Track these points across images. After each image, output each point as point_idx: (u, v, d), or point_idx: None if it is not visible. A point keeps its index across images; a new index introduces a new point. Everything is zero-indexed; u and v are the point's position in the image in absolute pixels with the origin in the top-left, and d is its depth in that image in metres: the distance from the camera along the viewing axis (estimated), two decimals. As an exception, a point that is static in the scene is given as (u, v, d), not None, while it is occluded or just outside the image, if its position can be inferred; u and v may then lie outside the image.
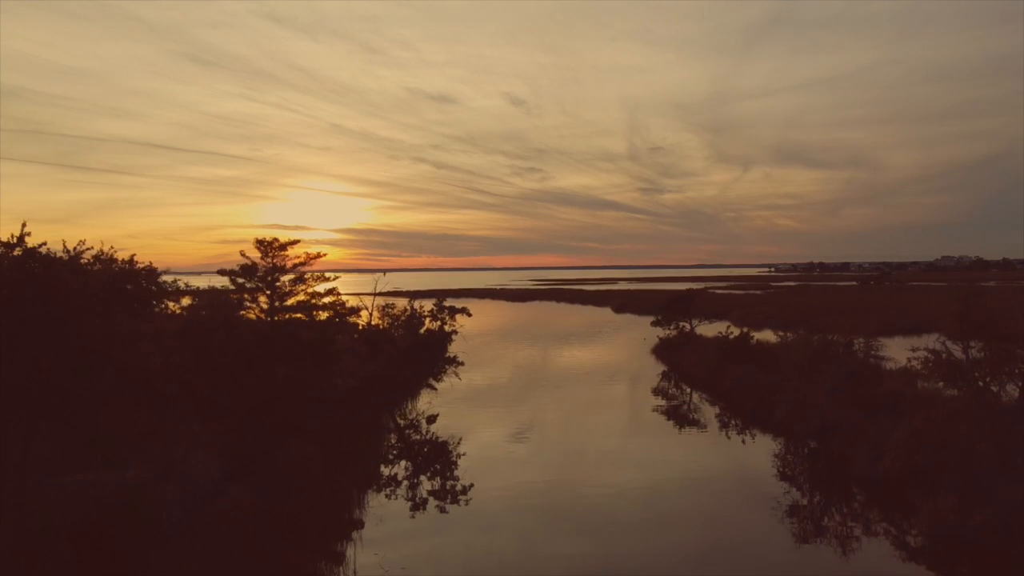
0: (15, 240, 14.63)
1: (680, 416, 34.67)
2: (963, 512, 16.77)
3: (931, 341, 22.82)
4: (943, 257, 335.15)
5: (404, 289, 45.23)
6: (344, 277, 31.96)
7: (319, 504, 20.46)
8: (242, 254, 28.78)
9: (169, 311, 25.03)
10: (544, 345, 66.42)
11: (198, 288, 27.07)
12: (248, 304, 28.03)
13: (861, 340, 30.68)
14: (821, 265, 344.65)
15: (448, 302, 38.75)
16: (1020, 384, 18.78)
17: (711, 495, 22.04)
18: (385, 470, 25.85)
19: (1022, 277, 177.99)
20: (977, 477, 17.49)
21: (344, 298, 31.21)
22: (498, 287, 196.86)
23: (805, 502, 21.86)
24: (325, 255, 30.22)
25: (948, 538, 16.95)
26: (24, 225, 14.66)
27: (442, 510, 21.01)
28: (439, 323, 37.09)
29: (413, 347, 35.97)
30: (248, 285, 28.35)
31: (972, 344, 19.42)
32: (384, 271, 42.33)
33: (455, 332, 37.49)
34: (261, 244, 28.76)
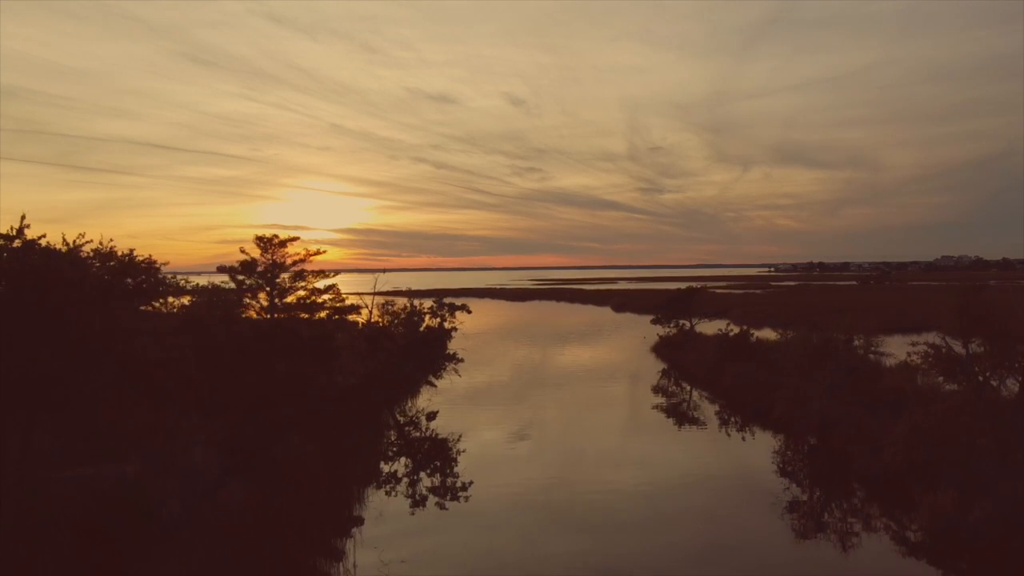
0: (14, 232, 14.63)
1: (680, 414, 34.66)
2: (963, 506, 16.77)
3: (931, 339, 22.83)
4: (943, 257, 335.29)
5: (404, 289, 45.10)
6: (344, 277, 31.92)
7: (319, 500, 20.45)
8: (242, 250, 28.81)
9: (169, 306, 24.97)
10: (544, 344, 66.42)
11: (198, 284, 27.03)
12: (248, 301, 28.05)
13: (861, 338, 30.68)
14: (821, 265, 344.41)
15: (448, 301, 38.71)
16: (1020, 378, 18.77)
17: (711, 493, 21.98)
18: (385, 467, 25.83)
19: (1022, 277, 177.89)
20: (977, 471, 17.48)
21: (344, 296, 31.23)
22: (498, 287, 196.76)
23: (805, 498, 21.84)
24: (325, 251, 30.22)
25: (948, 532, 16.95)
26: (23, 217, 14.69)
27: (442, 507, 20.97)
28: (439, 320, 37.07)
29: (413, 344, 35.95)
30: (248, 282, 28.38)
31: (972, 339, 19.38)
32: (384, 270, 42.20)
33: (455, 329, 37.47)
34: (261, 241, 28.79)
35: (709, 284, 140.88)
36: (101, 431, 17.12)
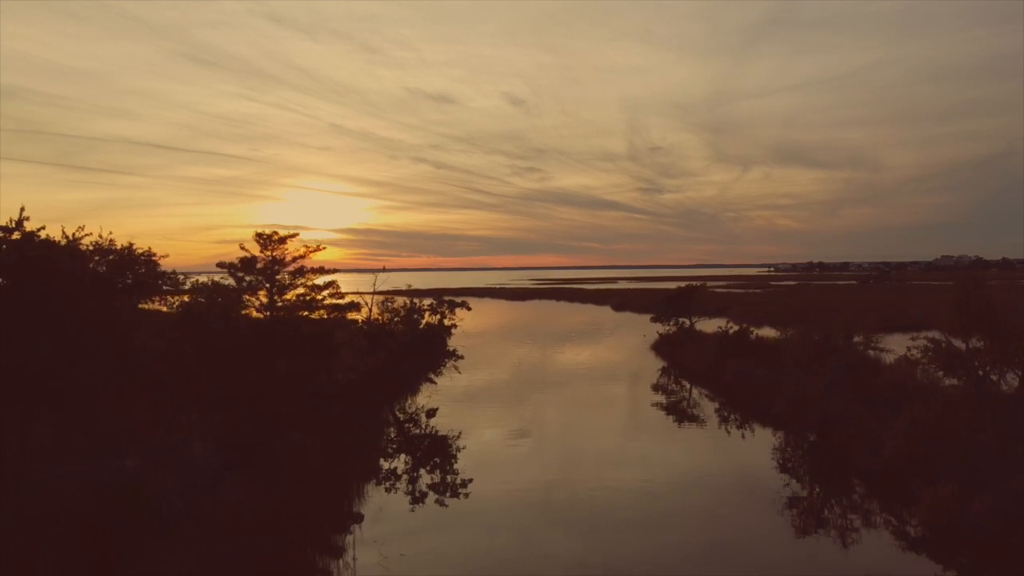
0: (13, 224, 14.61)
1: (680, 412, 34.65)
2: (963, 500, 16.76)
3: (931, 336, 22.80)
4: (943, 257, 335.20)
5: (404, 287, 44.93)
6: (344, 277, 31.83)
7: (318, 496, 20.43)
8: (242, 247, 28.81)
9: (170, 304, 24.97)
10: (544, 342, 66.40)
11: (197, 281, 27.02)
12: (248, 299, 28.01)
13: (860, 336, 30.65)
14: (821, 265, 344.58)
15: (447, 299, 38.67)
16: (1020, 373, 18.76)
17: (711, 491, 21.84)
18: (385, 464, 25.79)
19: (1022, 277, 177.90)
20: (977, 466, 17.47)
21: (343, 293, 31.23)
22: (498, 286, 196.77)
23: (805, 495, 21.81)
24: (324, 247, 30.24)
25: (948, 526, 16.93)
26: (23, 209, 14.66)
27: (441, 504, 20.85)
28: (439, 317, 37.07)
29: (413, 341, 35.95)
30: (248, 279, 28.37)
31: (971, 334, 19.36)
32: (383, 270, 41.91)
33: (455, 326, 37.47)
34: (260, 237, 28.80)
35: (709, 284, 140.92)
36: (100, 426, 17.10)
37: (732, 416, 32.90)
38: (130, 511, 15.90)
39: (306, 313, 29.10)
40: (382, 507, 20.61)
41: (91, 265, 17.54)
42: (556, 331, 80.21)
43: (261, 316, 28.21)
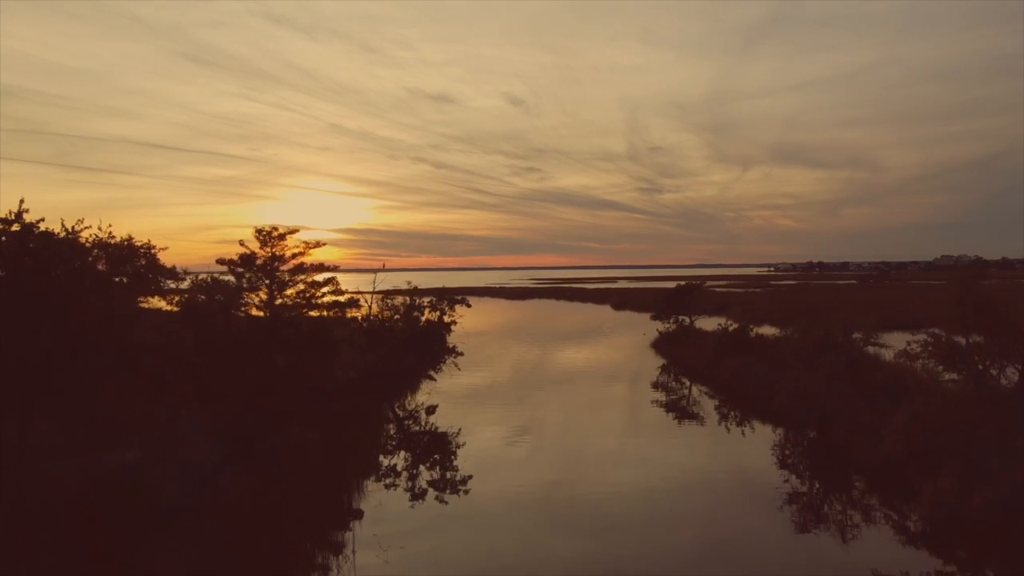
0: (13, 216, 14.60)
1: (680, 409, 34.64)
2: (963, 494, 16.76)
3: (932, 331, 22.79)
4: (942, 257, 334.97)
5: (405, 286, 44.64)
6: (344, 277, 31.76)
7: (317, 490, 20.45)
8: (241, 243, 28.79)
9: (170, 300, 24.95)
10: (544, 341, 66.39)
11: (197, 276, 26.99)
12: (247, 296, 27.98)
13: (860, 333, 30.63)
14: (821, 265, 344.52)
15: (447, 296, 38.61)
16: (1020, 367, 18.75)
17: (711, 489, 21.68)
18: (384, 460, 25.78)
19: (1022, 276, 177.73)
20: (977, 459, 17.46)
21: (343, 289, 31.22)
22: (497, 286, 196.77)
23: (805, 491, 21.79)
24: (324, 243, 30.23)
25: (948, 520, 16.93)
26: (22, 201, 14.66)
27: (441, 501, 20.70)
28: (439, 313, 37.07)
29: (413, 338, 35.93)
30: (247, 275, 28.35)
31: (971, 327, 19.35)
32: (382, 269, 41.71)
33: (454, 323, 37.46)
34: (260, 233, 28.79)
35: (709, 283, 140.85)
36: (100, 419, 17.10)
37: (732, 413, 32.88)
38: (129, 503, 15.92)
39: (306, 311, 29.09)
40: (382, 503, 20.52)
41: (90, 259, 17.51)
42: (556, 329, 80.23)
43: (261, 314, 28.21)
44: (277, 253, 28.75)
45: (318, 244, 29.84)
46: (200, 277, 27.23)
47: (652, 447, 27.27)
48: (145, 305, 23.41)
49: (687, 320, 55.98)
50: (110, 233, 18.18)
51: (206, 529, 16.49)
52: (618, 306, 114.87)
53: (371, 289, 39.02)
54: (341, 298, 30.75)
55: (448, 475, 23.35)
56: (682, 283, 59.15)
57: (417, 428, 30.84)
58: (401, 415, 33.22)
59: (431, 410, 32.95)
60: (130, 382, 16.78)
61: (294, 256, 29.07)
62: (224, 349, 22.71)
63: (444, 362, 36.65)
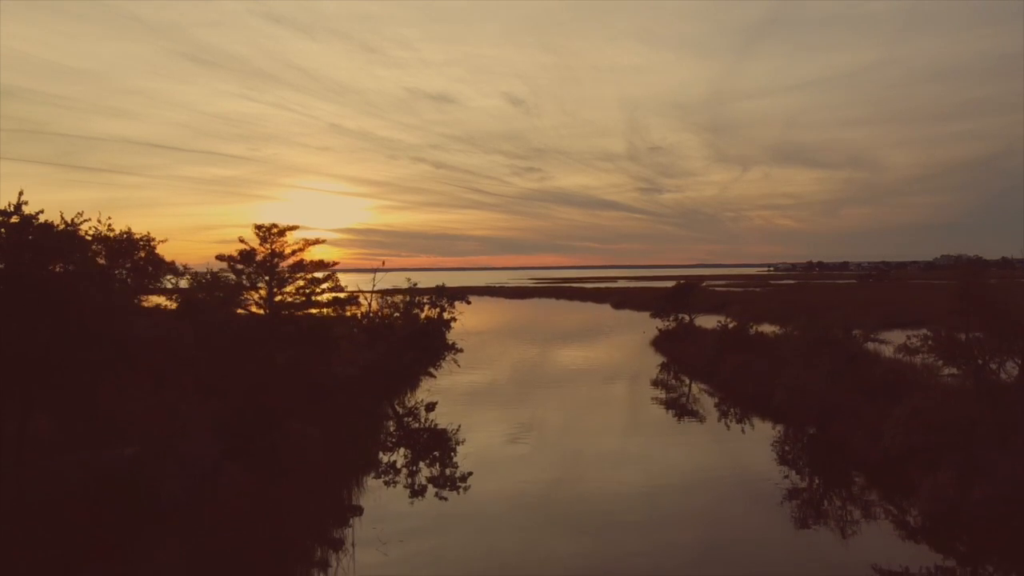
0: (12, 208, 14.57)
1: (680, 406, 34.61)
2: (963, 488, 16.74)
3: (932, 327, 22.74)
4: (942, 256, 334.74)
5: (405, 284, 44.35)
6: (343, 276, 31.66)
7: (317, 486, 20.41)
8: (241, 240, 28.74)
9: (170, 295, 24.92)
10: (544, 340, 66.37)
11: (196, 272, 26.94)
12: (247, 295, 27.91)
13: (859, 331, 30.64)
14: (820, 264, 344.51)
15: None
16: (1020, 362, 18.73)
17: (711, 488, 21.56)
18: (384, 456, 25.75)
19: (1022, 276, 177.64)
20: (976, 454, 17.44)
21: (343, 285, 31.16)
22: (497, 285, 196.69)
23: (805, 488, 21.74)
24: (324, 240, 30.19)
25: (948, 514, 16.92)
26: (21, 193, 14.63)
27: (440, 498, 20.63)
28: (438, 310, 37.03)
29: (413, 334, 35.90)
30: (247, 271, 28.31)
31: (971, 321, 19.34)
32: (381, 269, 41.45)
33: (454, 319, 37.42)
34: (260, 229, 28.75)
35: (709, 283, 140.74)
36: (100, 414, 17.08)
37: (732, 410, 32.86)
38: (129, 498, 15.89)
39: (305, 308, 29.04)
40: (381, 500, 20.46)
41: (90, 254, 17.48)
42: (556, 328, 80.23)
43: (261, 311, 28.16)
44: (277, 249, 28.70)
45: (317, 241, 29.81)
46: (197, 272, 27.17)
47: (652, 445, 27.23)
48: (146, 304, 23.41)
49: (687, 318, 55.98)
50: (109, 226, 18.17)
51: (206, 524, 16.45)
52: (618, 305, 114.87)
53: (371, 288, 38.90)
54: (341, 295, 30.72)
55: (448, 472, 23.31)
56: (681, 281, 59.18)
57: (417, 425, 30.81)
58: (401, 412, 33.20)
59: (431, 407, 32.95)
60: (129, 377, 16.75)
61: (294, 252, 29.03)
62: (223, 345, 22.67)
63: (444, 359, 36.61)
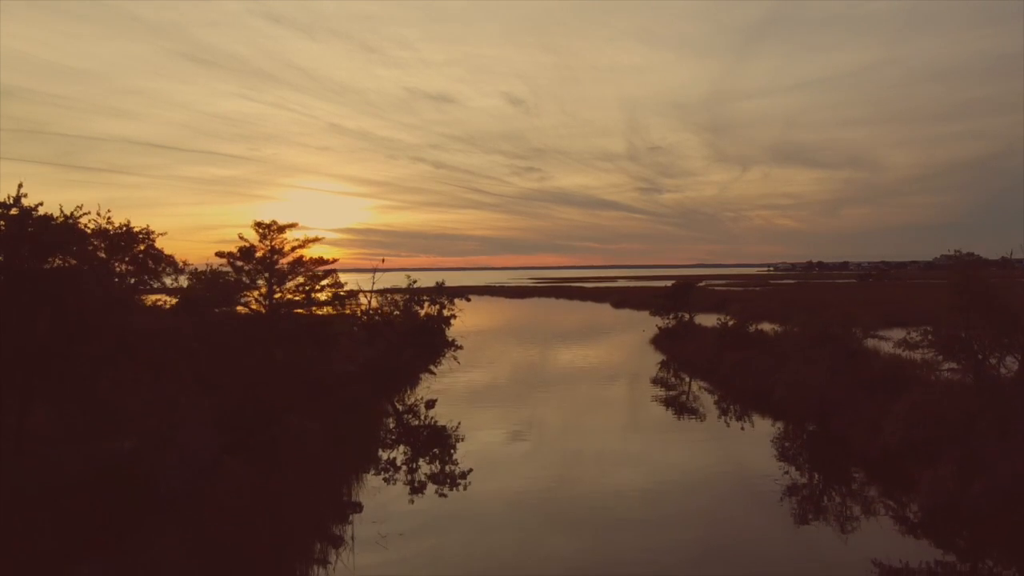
0: (12, 201, 14.56)
1: (680, 404, 34.62)
2: (963, 482, 16.73)
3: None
4: (942, 256, 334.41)
5: (405, 283, 44.19)
6: (343, 276, 31.63)
7: (316, 481, 20.39)
8: (240, 236, 28.74)
9: (168, 293, 24.91)
10: (545, 339, 66.39)
11: (196, 268, 26.94)
12: (247, 294, 27.89)
13: (859, 328, 30.62)
14: (820, 264, 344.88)
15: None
16: (1020, 356, 18.73)
17: (712, 486, 21.44)
18: (383, 453, 25.75)
19: (1022, 276, 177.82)
20: (976, 448, 17.44)
21: (343, 282, 31.17)
22: (497, 285, 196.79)
23: (805, 483, 21.73)
24: (323, 238, 30.21)
25: (948, 508, 16.91)
26: (20, 185, 14.63)
27: (440, 495, 20.60)
28: (438, 307, 37.04)
29: (412, 331, 35.91)
30: (246, 268, 28.31)
31: (971, 315, 19.32)
32: (383, 269, 41.34)
33: (454, 316, 37.42)
34: (260, 226, 28.76)
35: (709, 283, 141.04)
36: (99, 406, 17.07)
37: (732, 407, 32.89)
38: (128, 490, 15.90)
39: (305, 304, 29.04)
40: (380, 496, 20.44)
41: (90, 248, 17.47)
42: (555, 327, 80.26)
43: (261, 309, 28.14)
44: (276, 246, 28.71)
45: (317, 239, 29.83)
46: (196, 268, 27.14)
47: (652, 442, 27.22)
48: (147, 301, 23.41)
49: (686, 316, 56.01)
50: (108, 219, 18.19)
51: (204, 517, 16.43)
52: (617, 304, 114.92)
53: (370, 287, 38.83)
54: (340, 291, 30.72)
55: (448, 469, 23.29)
56: (681, 280, 59.26)
57: (417, 422, 30.82)
58: (401, 409, 33.21)
59: (431, 404, 32.96)
60: (129, 369, 16.74)
61: (293, 249, 29.04)
62: (223, 339, 22.66)
63: (443, 355, 36.61)
